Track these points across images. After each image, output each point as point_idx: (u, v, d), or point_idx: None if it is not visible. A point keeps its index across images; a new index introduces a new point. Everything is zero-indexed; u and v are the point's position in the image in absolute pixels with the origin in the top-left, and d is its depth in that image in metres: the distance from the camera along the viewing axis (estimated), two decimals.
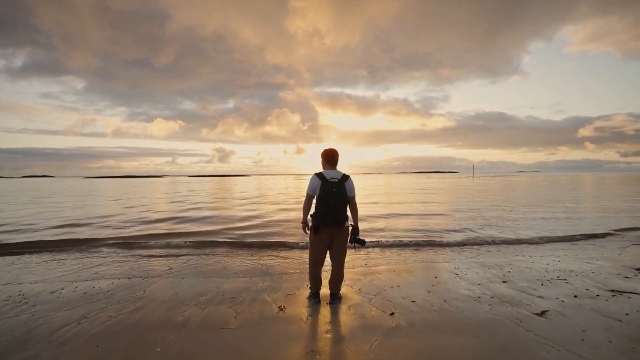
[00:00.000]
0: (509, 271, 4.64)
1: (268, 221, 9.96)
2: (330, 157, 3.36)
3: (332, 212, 3.12)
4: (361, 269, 4.88)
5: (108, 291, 3.94)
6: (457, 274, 4.53)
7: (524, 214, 11.23)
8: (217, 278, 4.51)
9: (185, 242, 6.95)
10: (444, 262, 5.30)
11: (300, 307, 3.37)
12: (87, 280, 4.45)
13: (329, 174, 3.26)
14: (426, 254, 5.87)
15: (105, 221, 10.20)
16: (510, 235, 7.68)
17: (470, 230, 8.23)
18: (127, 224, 9.54)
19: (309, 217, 3.37)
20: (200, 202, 16.80)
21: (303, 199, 3.42)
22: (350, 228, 3.38)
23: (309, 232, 3.42)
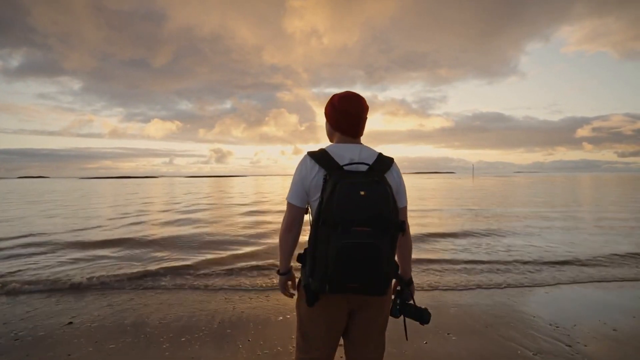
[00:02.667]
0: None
1: (269, 243, 6.66)
2: (348, 114, 1.26)
3: (361, 259, 1.05)
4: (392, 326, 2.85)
5: None
6: (568, 346, 2.52)
7: (598, 231, 7.66)
8: (136, 352, 2.49)
9: (127, 280, 4.35)
10: (523, 306, 3.29)
11: None
12: None
13: (342, 153, 1.23)
14: (491, 296, 3.84)
15: (38, 241, 6.94)
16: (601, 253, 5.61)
17: (552, 263, 4.90)
18: (66, 248, 6.27)
19: (295, 258, 1.35)
20: (188, 212, 12.79)
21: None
22: (393, 283, 1.39)
23: (294, 295, 1.42)
